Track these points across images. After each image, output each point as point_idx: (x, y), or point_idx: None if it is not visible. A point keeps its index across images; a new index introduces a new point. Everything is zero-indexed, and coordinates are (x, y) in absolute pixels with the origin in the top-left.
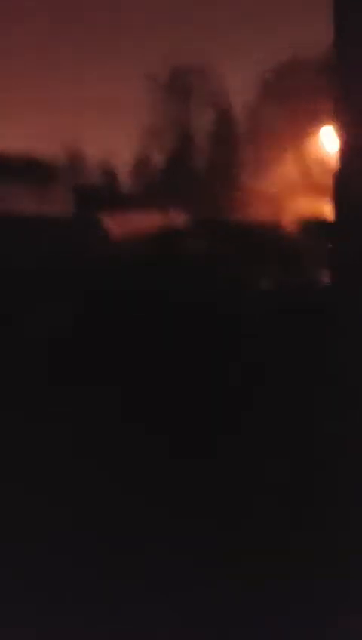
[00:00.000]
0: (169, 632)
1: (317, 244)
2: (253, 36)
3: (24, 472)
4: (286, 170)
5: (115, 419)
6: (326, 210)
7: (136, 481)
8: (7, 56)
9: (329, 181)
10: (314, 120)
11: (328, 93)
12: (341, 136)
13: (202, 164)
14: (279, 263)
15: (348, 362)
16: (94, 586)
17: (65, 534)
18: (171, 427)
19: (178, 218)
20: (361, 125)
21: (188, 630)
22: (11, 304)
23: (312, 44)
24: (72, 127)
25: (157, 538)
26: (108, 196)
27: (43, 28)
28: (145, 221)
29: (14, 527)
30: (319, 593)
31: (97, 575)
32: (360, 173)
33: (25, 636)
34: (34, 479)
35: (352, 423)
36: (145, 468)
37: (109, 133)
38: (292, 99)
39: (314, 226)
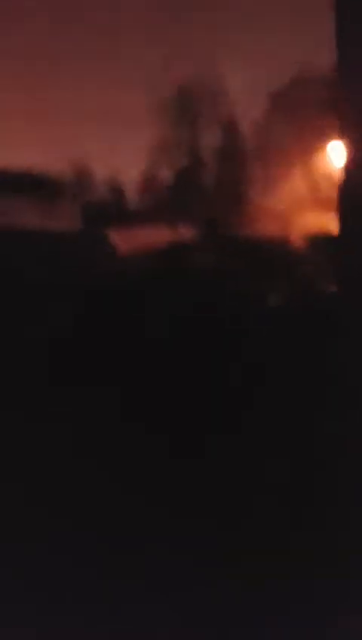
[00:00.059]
0: (169, 632)
1: (325, 259)
2: (260, 52)
3: (24, 472)
4: (294, 185)
5: (115, 419)
6: (335, 225)
7: (136, 481)
8: (8, 58)
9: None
10: (321, 136)
11: (334, 109)
12: (347, 151)
13: (210, 180)
14: (287, 278)
15: (348, 362)
16: (94, 586)
17: (65, 534)
18: (171, 427)
19: (186, 234)
20: None
21: (188, 630)
22: (18, 319)
23: (318, 60)
24: (78, 142)
25: (157, 538)
26: (116, 212)
27: (43, 29)
28: (152, 237)
29: (14, 527)
30: (319, 593)
31: (97, 575)
32: None
33: (25, 636)
34: (34, 479)
35: (352, 423)
36: (145, 468)
37: (116, 148)
38: (299, 115)
39: (322, 241)
